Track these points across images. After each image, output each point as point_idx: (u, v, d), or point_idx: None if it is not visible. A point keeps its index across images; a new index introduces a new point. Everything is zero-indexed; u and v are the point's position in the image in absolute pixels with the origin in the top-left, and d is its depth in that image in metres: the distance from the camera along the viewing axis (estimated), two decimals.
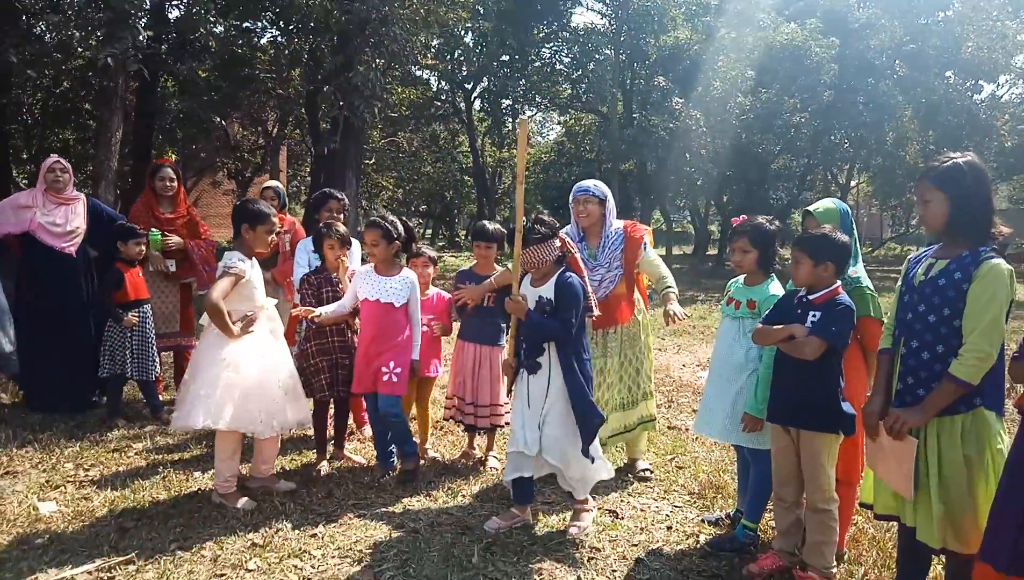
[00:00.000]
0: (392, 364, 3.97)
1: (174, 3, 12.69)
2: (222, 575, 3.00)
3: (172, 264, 5.42)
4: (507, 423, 4.45)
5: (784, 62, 17.63)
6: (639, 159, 20.56)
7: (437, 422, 5.02)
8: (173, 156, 17.87)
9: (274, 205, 5.63)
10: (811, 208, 3.43)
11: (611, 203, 4.23)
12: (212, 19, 11.72)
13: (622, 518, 3.72)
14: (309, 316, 4.04)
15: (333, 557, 3.20)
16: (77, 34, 9.71)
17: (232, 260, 3.65)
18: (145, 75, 9.66)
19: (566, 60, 23.75)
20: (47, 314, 5.08)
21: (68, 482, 3.96)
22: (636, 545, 3.42)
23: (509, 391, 3.68)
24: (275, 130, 20.91)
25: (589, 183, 4.25)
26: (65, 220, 5.16)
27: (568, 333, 3.35)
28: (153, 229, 5.30)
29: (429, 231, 38.25)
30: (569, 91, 24.79)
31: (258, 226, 3.77)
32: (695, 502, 3.97)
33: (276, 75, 15.47)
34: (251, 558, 3.14)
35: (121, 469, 4.16)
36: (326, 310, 4.09)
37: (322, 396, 4.24)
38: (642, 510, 3.84)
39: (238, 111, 17.20)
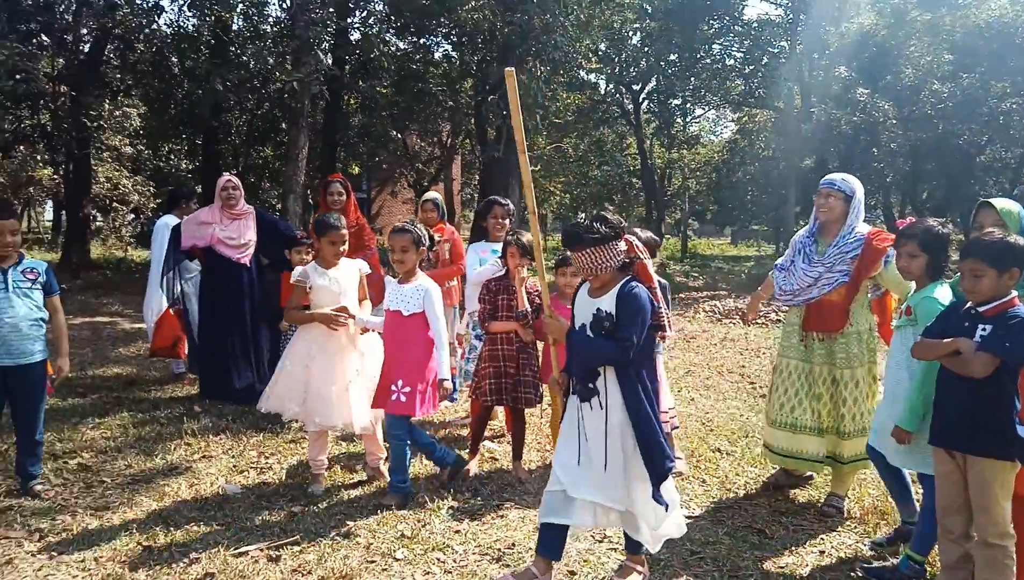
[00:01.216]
0: (400, 382, 3.81)
1: (355, 26, 13.71)
2: (373, 561, 3.23)
3: None
4: (674, 428, 4.45)
5: (990, 42, 15.84)
6: (819, 156, 19.33)
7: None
8: (356, 169, 19.25)
9: (433, 216, 5.95)
10: (992, 201, 3.11)
11: (858, 202, 3.82)
12: (390, 38, 12.57)
13: (771, 538, 3.55)
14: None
15: (474, 554, 3.34)
16: (272, 61, 10.81)
17: (295, 274, 4.11)
18: (326, 96, 10.52)
19: (738, 55, 22.83)
20: (223, 316, 5.67)
21: (251, 467, 4.43)
22: (783, 567, 3.26)
23: (560, 419, 3.14)
24: (449, 141, 21.90)
25: (837, 177, 3.92)
26: (239, 233, 5.73)
27: (626, 355, 2.77)
28: None
29: None
30: (741, 87, 23.81)
31: (322, 237, 4.07)
32: (855, 527, 3.70)
33: (448, 88, 16.24)
34: (399, 548, 3.35)
35: (295, 460, 4.58)
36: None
37: (485, 402, 4.36)
38: (793, 531, 3.64)
39: (414, 124, 18.22)
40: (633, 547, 3.04)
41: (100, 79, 14.12)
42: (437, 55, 16.41)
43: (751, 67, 22.18)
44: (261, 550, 3.31)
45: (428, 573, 3.15)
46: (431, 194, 6.24)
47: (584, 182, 29.52)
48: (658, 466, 2.78)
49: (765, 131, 27.17)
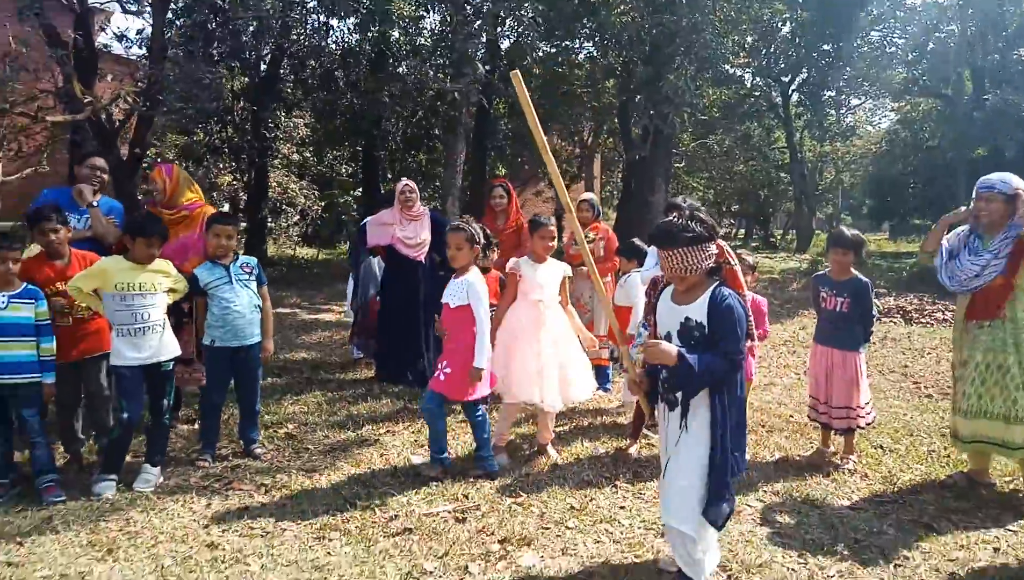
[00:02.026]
0: (444, 363, 4.17)
1: (505, 34, 14.25)
2: (547, 528, 3.56)
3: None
4: (868, 425, 4.54)
5: None
6: (993, 144, 17.84)
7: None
8: (502, 171, 19.93)
9: (588, 216, 6.24)
10: None
11: (1022, 200, 3.75)
12: (537, 44, 13.00)
13: (940, 533, 3.54)
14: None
15: (639, 527, 3.58)
16: (431, 73, 11.52)
17: (510, 264, 4.55)
18: (483, 103, 11.07)
19: (899, 41, 21.46)
20: (401, 308, 6.21)
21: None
22: (953, 560, 3.26)
23: (651, 417, 3.05)
24: (590, 140, 22.15)
25: (995, 178, 3.83)
26: (415, 233, 6.25)
27: (735, 369, 2.64)
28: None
29: (742, 231, 37.10)
30: (903, 75, 22.35)
31: (534, 234, 4.57)
32: None
33: (591, 89, 16.49)
34: (570, 518, 3.66)
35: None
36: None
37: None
38: (964, 528, 3.61)
39: (557, 125, 18.64)
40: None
41: (277, 94, 15.53)
42: (580, 57, 16.70)
43: (914, 53, 20.79)
44: (449, 512, 3.72)
45: (598, 542, 3.44)
46: (586, 194, 6.52)
47: (729, 177, 28.78)
48: (720, 487, 2.65)
49: (930, 120, 25.35)
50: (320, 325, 9.64)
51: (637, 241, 5.51)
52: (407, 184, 6.29)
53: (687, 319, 2.72)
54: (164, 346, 4.10)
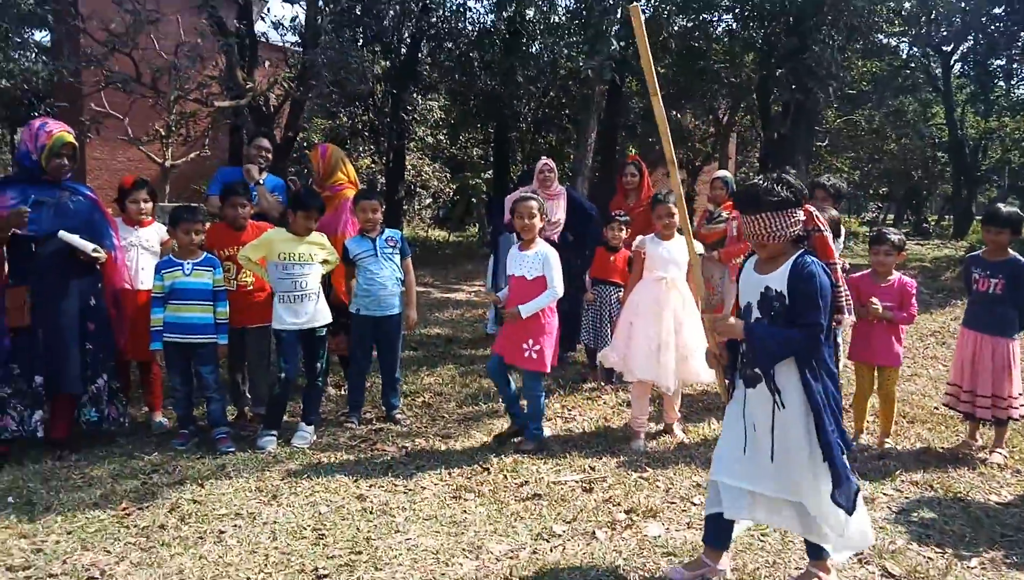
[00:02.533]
0: (531, 342, 4.24)
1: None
2: (672, 503, 3.62)
3: None
4: (1021, 417, 4.28)
5: None
6: None
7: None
8: (634, 150, 19.72)
9: (722, 193, 6.15)
10: None
11: None
12: (674, 17, 12.73)
13: None
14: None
15: None
16: (564, 51, 11.57)
17: (636, 242, 4.64)
18: (617, 81, 11.01)
19: None
20: None
21: (558, 417, 5.05)
22: None
23: (729, 394, 2.85)
24: (725, 118, 21.42)
25: None
26: (551, 213, 6.33)
27: (815, 343, 2.47)
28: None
29: (891, 215, 34.72)
30: None
31: (653, 211, 4.61)
32: None
33: (729, 64, 15.95)
34: (695, 495, 3.70)
35: (594, 413, 5.13)
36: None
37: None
38: None
39: (691, 102, 18.16)
40: (815, 552, 2.75)
41: (416, 77, 16.11)
42: (719, 30, 16.17)
43: None
44: (576, 482, 3.86)
45: None
46: (721, 173, 6.41)
47: (878, 157, 27.01)
48: (837, 467, 2.47)
49: None
50: (452, 303, 10.04)
51: None
52: (546, 163, 6.39)
53: (767, 289, 2.57)
54: (318, 313, 4.47)
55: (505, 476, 3.92)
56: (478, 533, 3.27)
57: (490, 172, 20.65)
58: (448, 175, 22.77)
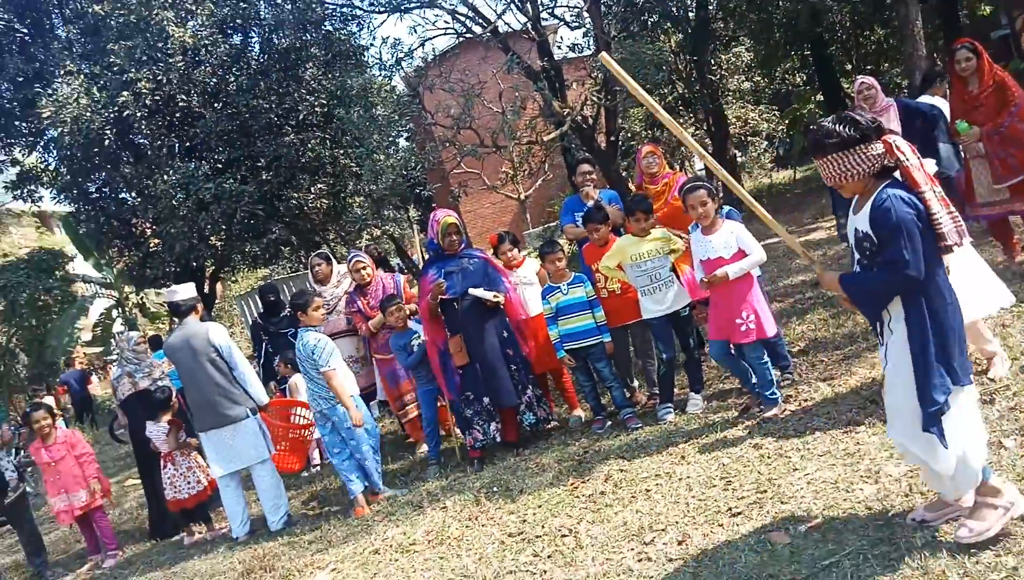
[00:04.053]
0: (745, 313, 4.30)
1: None
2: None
3: None
4: None
5: None
6: None
7: None
8: (987, 11, 16.74)
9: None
10: None
11: None
12: None
13: None
14: None
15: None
16: None
17: None
18: None
19: None
20: None
21: None
22: None
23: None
24: None
25: None
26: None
27: (902, 278, 2.42)
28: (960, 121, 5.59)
29: None
30: None
31: None
32: None
33: None
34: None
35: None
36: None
37: None
38: None
39: None
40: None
41: (711, 35, 15.93)
42: None
43: None
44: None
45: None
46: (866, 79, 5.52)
47: None
48: (926, 395, 2.46)
49: None
50: (811, 244, 9.80)
51: None
52: (863, 81, 6.16)
53: (856, 231, 2.58)
54: (678, 297, 5.03)
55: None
56: (874, 460, 3.47)
57: (819, 95, 19.24)
58: (777, 113, 21.74)
